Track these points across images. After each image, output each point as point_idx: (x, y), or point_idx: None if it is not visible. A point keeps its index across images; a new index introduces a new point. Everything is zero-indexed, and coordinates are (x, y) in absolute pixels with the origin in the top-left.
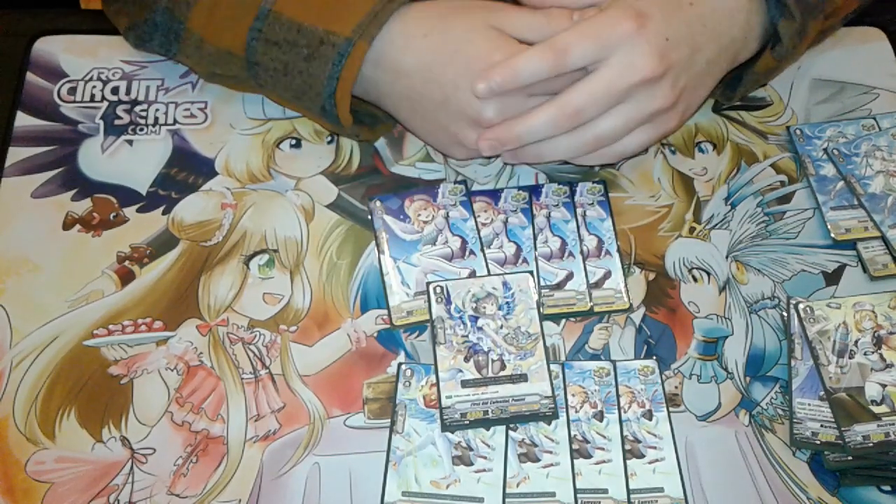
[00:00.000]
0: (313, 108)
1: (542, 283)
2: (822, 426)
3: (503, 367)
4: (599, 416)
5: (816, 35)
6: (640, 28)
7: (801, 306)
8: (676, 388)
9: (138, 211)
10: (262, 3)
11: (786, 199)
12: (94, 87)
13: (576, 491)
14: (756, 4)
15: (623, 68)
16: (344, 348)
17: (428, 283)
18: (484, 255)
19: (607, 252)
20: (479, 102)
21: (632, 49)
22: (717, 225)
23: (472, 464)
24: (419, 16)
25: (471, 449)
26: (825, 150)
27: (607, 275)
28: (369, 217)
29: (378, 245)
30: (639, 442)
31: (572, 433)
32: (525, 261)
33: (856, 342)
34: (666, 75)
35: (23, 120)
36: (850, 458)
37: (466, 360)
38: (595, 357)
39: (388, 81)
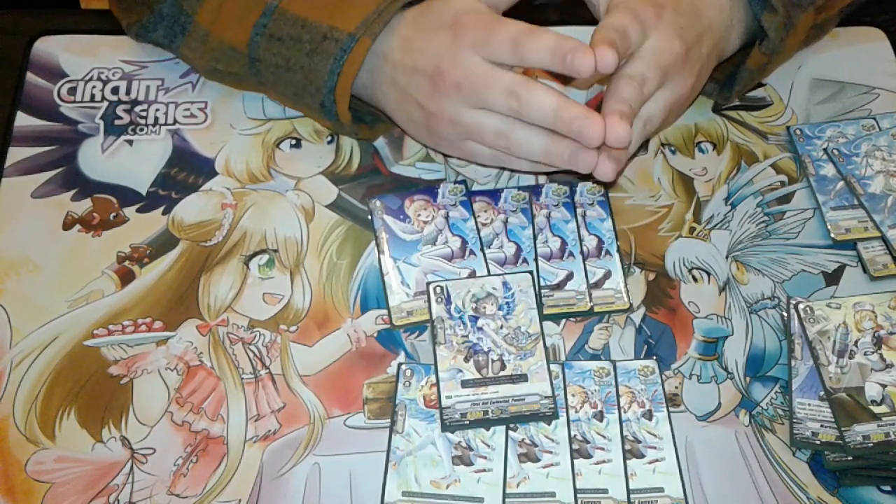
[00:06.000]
0: (313, 104)
1: (542, 283)
2: (822, 426)
3: (503, 367)
4: (599, 416)
5: (811, 29)
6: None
7: (801, 306)
8: (676, 388)
9: (138, 211)
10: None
11: (786, 199)
12: (94, 87)
13: (576, 491)
14: (737, 1)
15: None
16: (344, 348)
17: (428, 283)
18: (484, 255)
19: (607, 252)
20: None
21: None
22: (717, 225)
23: (472, 464)
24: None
25: (471, 449)
26: (825, 150)
27: (607, 275)
28: (369, 217)
29: (378, 245)
30: (639, 442)
31: (572, 433)
32: (525, 261)
33: (856, 342)
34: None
35: (23, 120)
36: (850, 458)
37: (466, 360)
38: (595, 357)
39: (384, 78)
